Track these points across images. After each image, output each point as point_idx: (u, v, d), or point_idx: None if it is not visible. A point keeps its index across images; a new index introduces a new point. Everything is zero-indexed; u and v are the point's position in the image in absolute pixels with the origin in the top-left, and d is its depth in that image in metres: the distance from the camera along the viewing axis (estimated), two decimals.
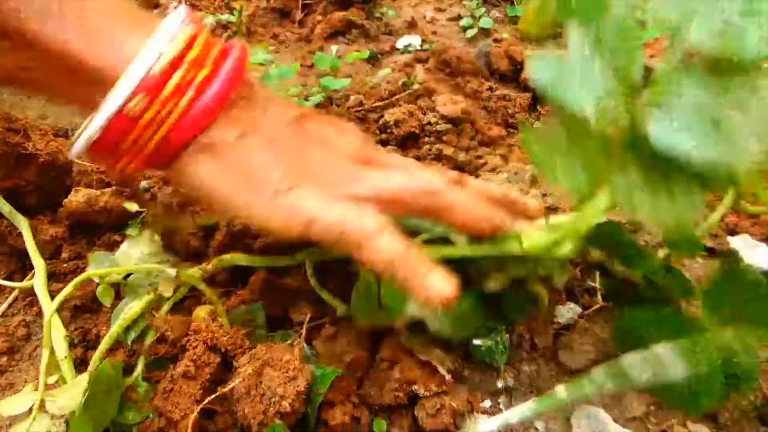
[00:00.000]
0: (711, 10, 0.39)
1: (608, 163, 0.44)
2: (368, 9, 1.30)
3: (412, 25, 1.25)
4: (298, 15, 1.27)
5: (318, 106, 1.00)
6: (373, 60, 1.15)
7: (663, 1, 0.41)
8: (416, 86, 1.03)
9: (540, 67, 0.45)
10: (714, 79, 0.40)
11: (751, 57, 0.38)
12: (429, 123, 0.98)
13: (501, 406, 0.60)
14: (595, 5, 0.44)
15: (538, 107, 1.00)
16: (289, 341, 0.59)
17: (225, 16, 1.24)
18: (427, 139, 0.97)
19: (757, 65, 0.39)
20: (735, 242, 0.74)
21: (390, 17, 1.28)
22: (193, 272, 0.59)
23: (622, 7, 0.43)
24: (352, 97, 1.06)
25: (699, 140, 0.39)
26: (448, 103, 0.98)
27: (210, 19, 1.24)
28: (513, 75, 1.04)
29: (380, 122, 0.99)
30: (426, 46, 1.16)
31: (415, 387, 0.59)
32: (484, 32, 1.21)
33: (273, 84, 0.90)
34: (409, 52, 1.15)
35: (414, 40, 1.18)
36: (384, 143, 0.97)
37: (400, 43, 1.18)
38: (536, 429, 0.58)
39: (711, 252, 0.76)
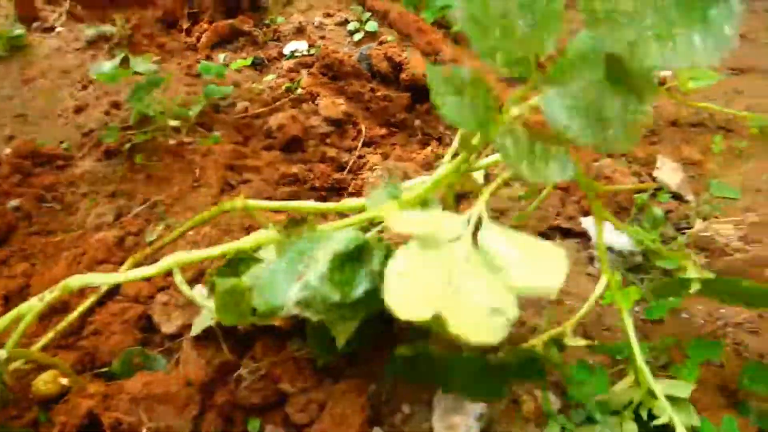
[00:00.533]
0: (630, 23, 0.42)
1: (497, 112, 0.46)
2: (257, 16, 1.30)
3: (300, 31, 1.27)
4: (185, 24, 1.26)
5: (201, 114, 1.00)
6: (260, 66, 1.16)
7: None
8: (300, 91, 1.05)
9: (465, 4, 0.44)
10: (611, 78, 0.43)
11: (649, 67, 0.41)
12: (312, 126, 1.00)
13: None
14: None
15: (416, 106, 1.04)
16: None
17: (107, 28, 1.22)
18: (311, 141, 0.99)
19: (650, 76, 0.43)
20: (586, 222, 0.80)
21: (279, 23, 1.29)
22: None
23: None
24: (239, 104, 1.07)
25: (583, 123, 0.43)
26: (330, 106, 1.01)
27: (92, 31, 1.21)
28: (393, 76, 1.07)
29: (265, 128, 1.00)
30: (312, 51, 1.18)
31: (281, 385, 0.60)
32: (370, 36, 1.24)
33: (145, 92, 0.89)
34: (296, 57, 1.17)
35: (300, 46, 1.20)
36: (269, 148, 0.98)
37: (287, 49, 1.20)
38: (403, 412, 0.61)
39: (566, 233, 0.82)
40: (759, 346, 0.69)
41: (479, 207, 0.47)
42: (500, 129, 0.45)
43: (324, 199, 0.92)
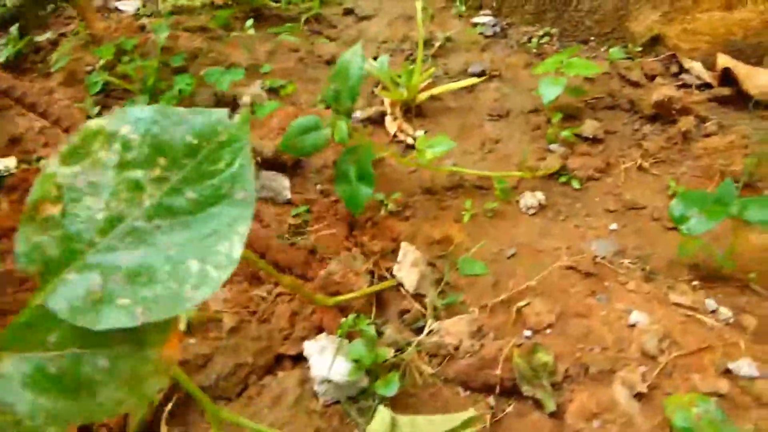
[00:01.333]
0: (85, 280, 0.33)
1: None
2: None
3: (13, 142, 1.09)
4: None
5: None
6: None
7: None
8: None
9: None
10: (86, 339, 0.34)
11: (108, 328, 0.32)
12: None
13: None
14: None
15: None
16: None
17: None
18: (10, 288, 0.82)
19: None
20: (308, 347, 0.70)
21: None
22: None
23: None
24: None
25: (55, 396, 0.33)
26: None
27: None
28: None
29: None
30: (24, 165, 1.01)
31: None
32: None
33: None
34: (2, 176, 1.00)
35: (9, 163, 1.02)
36: None
37: None
38: None
39: (296, 360, 0.73)
40: None
41: None
42: None
43: None
